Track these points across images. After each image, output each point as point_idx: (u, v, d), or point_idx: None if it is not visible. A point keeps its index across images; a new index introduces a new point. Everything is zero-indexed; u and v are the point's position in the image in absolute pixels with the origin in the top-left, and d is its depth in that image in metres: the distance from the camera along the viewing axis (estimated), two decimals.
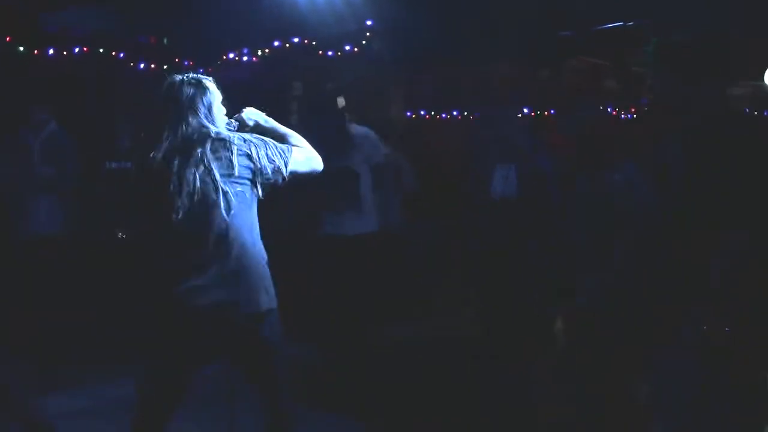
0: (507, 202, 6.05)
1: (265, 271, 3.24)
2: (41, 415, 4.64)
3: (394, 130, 8.11)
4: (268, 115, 3.46)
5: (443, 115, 11.87)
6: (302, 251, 6.12)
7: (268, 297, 3.21)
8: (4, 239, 6.30)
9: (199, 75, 3.34)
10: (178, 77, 3.29)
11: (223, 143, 3.18)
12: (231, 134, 3.23)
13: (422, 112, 11.69)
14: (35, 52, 7.45)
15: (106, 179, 7.06)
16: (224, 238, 3.11)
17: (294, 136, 3.43)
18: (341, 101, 6.23)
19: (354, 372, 5.37)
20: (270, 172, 3.22)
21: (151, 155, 3.16)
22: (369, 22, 8.87)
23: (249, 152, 3.19)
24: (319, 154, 3.44)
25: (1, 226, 6.32)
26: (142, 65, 8.18)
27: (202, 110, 3.22)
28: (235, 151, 3.16)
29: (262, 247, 3.26)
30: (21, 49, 7.35)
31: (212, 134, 3.18)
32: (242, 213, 3.17)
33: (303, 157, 3.35)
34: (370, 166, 5.81)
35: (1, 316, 5.86)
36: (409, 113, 11.09)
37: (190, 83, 3.25)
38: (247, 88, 7.76)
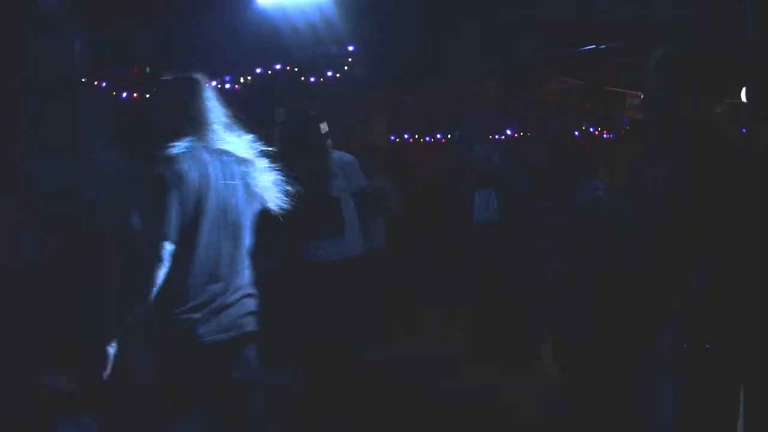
0: (488, 226, 6.10)
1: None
2: None
3: (378, 154, 8.14)
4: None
5: (426, 138, 11.94)
6: (287, 278, 6.11)
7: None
8: None
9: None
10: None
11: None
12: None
13: (405, 136, 11.76)
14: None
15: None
16: None
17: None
18: (324, 127, 6.25)
19: (340, 395, 5.37)
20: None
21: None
22: (351, 47, 8.96)
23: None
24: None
25: None
26: (124, 94, 8.19)
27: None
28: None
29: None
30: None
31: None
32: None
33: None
34: (351, 192, 5.82)
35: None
36: (392, 137, 11.15)
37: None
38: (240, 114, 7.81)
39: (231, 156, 3.03)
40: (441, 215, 7.17)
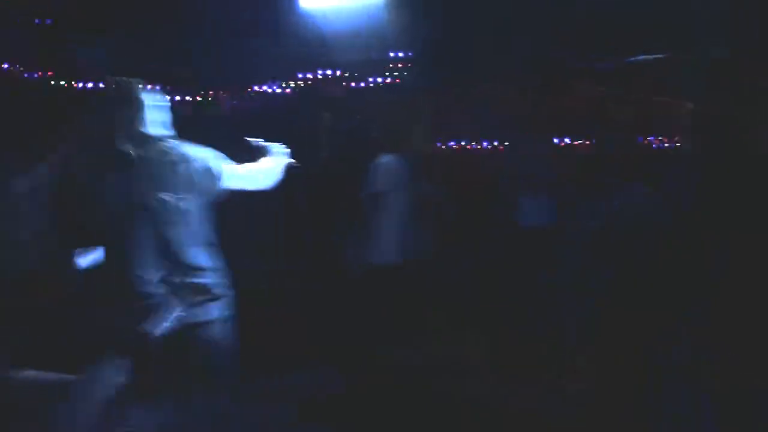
0: (536, 231, 6.06)
1: None
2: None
3: (425, 160, 8.10)
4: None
5: (473, 145, 11.85)
6: (329, 279, 6.15)
7: None
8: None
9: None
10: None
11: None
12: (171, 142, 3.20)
13: (452, 142, 11.70)
14: (71, 84, 7.63)
15: None
16: None
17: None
18: (370, 132, 6.26)
19: (377, 397, 5.37)
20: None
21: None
22: (399, 52, 8.96)
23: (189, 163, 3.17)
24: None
25: None
26: (177, 98, 8.30)
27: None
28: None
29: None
30: (61, 82, 7.54)
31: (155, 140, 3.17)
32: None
33: (244, 171, 3.35)
34: (394, 196, 5.82)
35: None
36: (439, 142, 11.10)
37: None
38: (277, 119, 7.87)
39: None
40: (487, 220, 7.13)
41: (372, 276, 5.78)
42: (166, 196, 3.10)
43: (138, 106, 3.16)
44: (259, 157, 3.51)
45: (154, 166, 3.12)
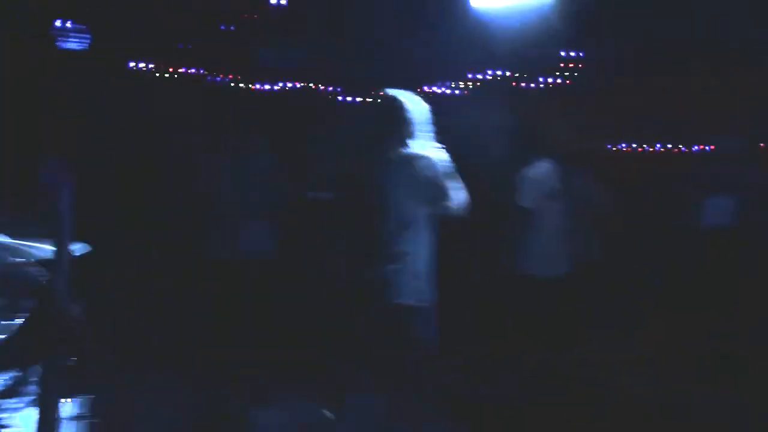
0: (721, 231, 5.82)
1: None
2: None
3: (596, 163, 7.91)
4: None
5: (645, 147, 11.47)
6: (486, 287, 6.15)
7: None
8: (220, 259, 6.70)
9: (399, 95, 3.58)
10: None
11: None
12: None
13: (623, 144, 11.36)
14: (252, 86, 7.98)
15: (305, 207, 7.38)
16: None
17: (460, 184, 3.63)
18: (541, 134, 6.19)
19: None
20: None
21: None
22: (570, 52, 8.78)
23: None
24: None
25: (219, 246, 6.70)
26: (348, 98, 8.49)
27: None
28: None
29: None
30: (240, 84, 7.90)
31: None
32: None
33: (457, 197, 3.52)
34: (547, 207, 5.75)
35: (213, 330, 6.26)
36: (610, 144, 10.81)
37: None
38: (452, 121, 7.89)
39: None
40: (662, 224, 6.89)
41: (531, 287, 5.73)
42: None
43: (406, 120, 3.48)
44: None
45: (414, 173, 3.43)
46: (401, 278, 3.43)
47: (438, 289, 3.59)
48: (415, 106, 3.57)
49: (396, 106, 3.53)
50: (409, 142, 3.47)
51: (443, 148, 3.59)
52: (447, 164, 3.50)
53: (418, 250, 3.46)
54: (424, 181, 3.41)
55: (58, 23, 6.74)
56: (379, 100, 3.65)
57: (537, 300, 5.76)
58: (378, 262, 3.46)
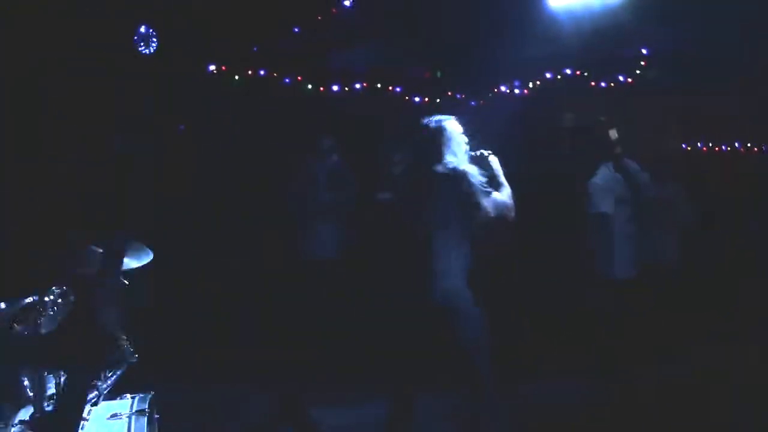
0: None
1: None
2: (319, 426, 4.98)
3: (671, 163, 7.72)
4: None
5: (723, 147, 11.16)
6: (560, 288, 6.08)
7: None
8: (288, 260, 6.76)
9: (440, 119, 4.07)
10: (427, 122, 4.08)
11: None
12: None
13: (699, 143, 11.07)
14: (321, 88, 8.03)
15: (375, 209, 7.37)
16: None
17: (505, 188, 4.04)
18: (614, 133, 6.07)
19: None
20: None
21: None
22: (644, 50, 8.60)
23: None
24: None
25: (284, 247, 6.77)
26: (416, 99, 8.48)
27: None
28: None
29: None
30: (309, 86, 7.96)
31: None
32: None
33: (497, 204, 3.93)
34: (617, 211, 5.65)
35: (283, 332, 6.33)
36: (685, 144, 10.56)
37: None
38: (519, 120, 7.81)
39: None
40: (741, 226, 6.69)
41: (604, 290, 5.66)
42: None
43: (444, 142, 3.99)
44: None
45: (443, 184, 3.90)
46: (435, 280, 3.81)
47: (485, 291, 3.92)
48: (455, 130, 4.05)
49: (438, 130, 4.02)
50: (448, 159, 3.93)
51: (489, 155, 4.11)
52: (483, 177, 3.93)
53: (450, 254, 3.85)
54: (458, 193, 3.84)
55: (142, 29, 6.89)
56: (424, 125, 4.07)
57: (613, 303, 5.67)
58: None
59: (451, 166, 3.91)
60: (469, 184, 3.85)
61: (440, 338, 3.79)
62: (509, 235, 5.28)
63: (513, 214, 4.01)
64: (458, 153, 4.01)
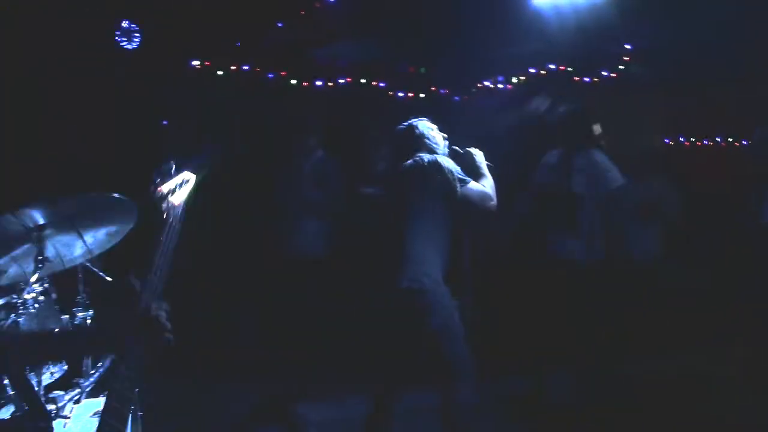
0: None
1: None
2: (302, 422, 4.98)
3: (653, 157, 7.76)
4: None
5: (705, 141, 11.22)
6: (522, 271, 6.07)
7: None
8: (273, 259, 6.73)
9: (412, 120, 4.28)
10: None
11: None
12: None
13: (681, 138, 11.13)
14: (305, 83, 8.01)
15: (361, 204, 7.36)
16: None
17: (487, 179, 4.15)
18: (597, 128, 6.08)
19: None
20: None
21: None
22: (627, 45, 8.64)
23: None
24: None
25: (272, 246, 6.74)
26: (400, 94, 8.47)
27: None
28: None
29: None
30: (293, 81, 7.94)
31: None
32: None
33: (476, 191, 4.03)
34: (597, 193, 5.62)
35: (264, 327, 6.32)
36: (667, 139, 10.61)
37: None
38: (502, 115, 7.83)
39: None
40: (723, 219, 6.73)
41: (570, 270, 5.63)
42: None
43: (415, 140, 4.19)
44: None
45: (416, 174, 4.01)
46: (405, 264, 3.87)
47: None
48: (427, 127, 4.25)
49: (409, 129, 4.23)
50: (424, 155, 4.07)
51: (471, 149, 4.25)
52: (459, 168, 4.05)
53: (425, 244, 3.91)
54: (431, 183, 3.95)
55: (124, 24, 6.85)
56: (400, 127, 4.28)
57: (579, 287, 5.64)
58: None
59: (422, 158, 4.02)
60: (442, 173, 3.94)
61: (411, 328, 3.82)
62: (490, 225, 5.28)
63: (494, 203, 4.07)
64: (433, 149, 4.15)
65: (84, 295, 3.98)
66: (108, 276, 3.95)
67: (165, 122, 7.67)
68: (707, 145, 11.28)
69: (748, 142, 10.45)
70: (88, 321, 3.85)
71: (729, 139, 11.18)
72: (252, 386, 5.70)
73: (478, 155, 4.25)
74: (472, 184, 4.03)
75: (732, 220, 6.54)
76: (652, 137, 9.40)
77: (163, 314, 2.15)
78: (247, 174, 7.23)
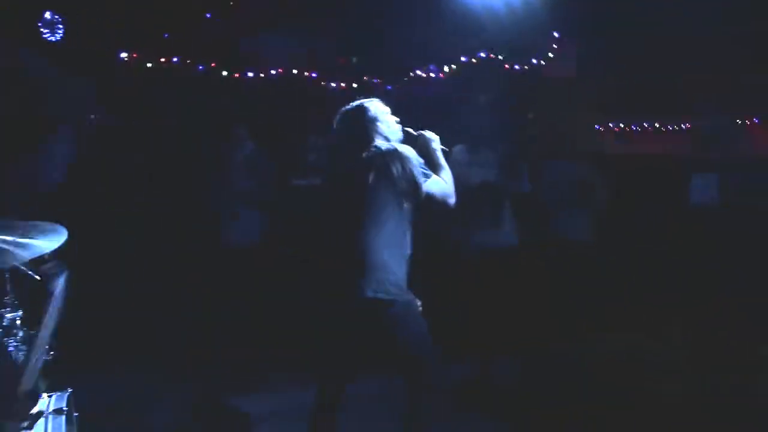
0: (706, 210, 5.82)
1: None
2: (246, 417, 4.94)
3: (583, 142, 7.90)
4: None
5: (633, 127, 11.49)
6: (448, 263, 6.12)
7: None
8: (210, 249, 6.68)
9: (362, 101, 3.77)
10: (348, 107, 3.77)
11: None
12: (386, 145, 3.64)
13: (611, 124, 11.37)
14: (236, 74, 7.94)
15: (293, 195, 7.34)
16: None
17: (446, 171, 3.74)
18: (530, 116, 6.19)
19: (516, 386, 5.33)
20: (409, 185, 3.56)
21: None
22: (554, 33, 8.77)
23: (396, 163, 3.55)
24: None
25: (208, 236, 6.68)
26: (332, 84, 8.46)
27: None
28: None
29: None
30: (224, 73, 7.86)
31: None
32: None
33: (439, 187, 3.65)
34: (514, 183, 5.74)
35: (202, 320, 6.25)
36: (598, 125, 10.82)
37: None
38: (434, 104, 7.87)
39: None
40: (650, 203, 6.88)
41: (496, 259, 5.69)
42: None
43: (368, 124, 3.68)
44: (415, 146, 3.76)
45: (375, 168, 3.55)
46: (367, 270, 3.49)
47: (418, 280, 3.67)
48: (380, 109, 3.74)
49: (359, 110, 3.72)
50: (378, 143, 3.63)
51: (425, 133, 3.81)
52: (421, 158, 3.65)
53: (385, 244, 3.52)
54: (396, 174, 3.52)
55: (47, 15, 6.69)
56: (344, 110, 3.76)
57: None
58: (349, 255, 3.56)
59: (380, 148, 3.57)
60: (405, 166, 3.53)
61: (370, 330, 3.55)
62: (450, 221, 5.27)
63: (453, 200, 3.71)
64: (388, 134, 3.69)
65: (12, 295, 3.87)
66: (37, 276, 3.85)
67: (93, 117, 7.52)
68: (636, 130, 11.55)
69: (678, 126, 10.77)
70: (17, 321, 3.74)
71: (656, 125, 11.46)
72: (190, 381, 5.63)
73: (435, 140, 3.80)
74: (434, 179, 3.63)
75: (662, 202, 6.70)
76: (581, 123, 9.58)
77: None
78: (179, 167, 7.15)
